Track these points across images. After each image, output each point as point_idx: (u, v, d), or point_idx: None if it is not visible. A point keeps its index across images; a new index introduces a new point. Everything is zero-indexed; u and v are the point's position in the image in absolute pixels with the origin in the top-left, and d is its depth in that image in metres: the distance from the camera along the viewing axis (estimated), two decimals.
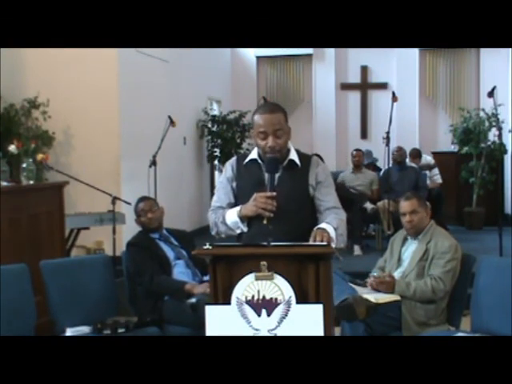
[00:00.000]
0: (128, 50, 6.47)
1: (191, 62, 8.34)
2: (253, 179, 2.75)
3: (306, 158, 2.84)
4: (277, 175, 2.73)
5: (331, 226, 2.61)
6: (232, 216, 2.73)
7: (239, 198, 2.78)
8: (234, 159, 2.92)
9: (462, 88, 9.98)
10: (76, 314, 3.69)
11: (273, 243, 2.40)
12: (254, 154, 2.81)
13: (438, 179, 8.21)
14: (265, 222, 2.59)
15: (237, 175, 2.83)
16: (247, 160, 2.82)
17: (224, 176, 2.88)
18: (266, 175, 2.73)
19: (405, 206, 3.83)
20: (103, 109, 6.48)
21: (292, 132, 2.79)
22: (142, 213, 4.09)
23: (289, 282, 2.26)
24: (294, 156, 2.79)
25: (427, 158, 8.53)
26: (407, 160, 7.80)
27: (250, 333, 2.25)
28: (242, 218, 2.70)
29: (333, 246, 2.49)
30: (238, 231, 2.75)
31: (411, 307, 3.57)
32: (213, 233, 2.84)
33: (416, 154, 8.24)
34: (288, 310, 2.25)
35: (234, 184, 2.83)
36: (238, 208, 2.73)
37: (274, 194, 2.59)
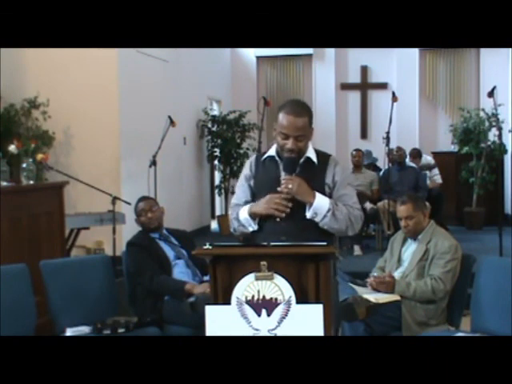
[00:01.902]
0: (128, 50, 6.47)
1: (191, 62, 8.34)
2: (269, 176, 2.76)
3: (323, 157, 2.83)
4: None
5: (327, 200, 2.64)
6: (244, 213, 2.76)
7: (256, 196, 2.79)
8: (253, 157, 2.94)
9: (462, 88, 9.98)
10: (76, 314, 3.69)
11: (273, 243, 2.41)
12: (272, 151, 2.82)
13: (438, 179, 8.21)
14: (278, 219, 2.63)
15: (254, 173, 2.84)
16: (265, 157, 2.83)
17: (242, 174, 2.91)
18: (283, 173, 2.74)
19: (400, 210, 3.84)
20: (103, 109, 6.48)
21: None
22: (142, 212, 4.09)
23: (289, 282, 2.26)
24: (311, 154, 2.79)
25: (427, 158, 8.54)
26: (407, 160, 7.80)
27: (250, 333, 2.25)
28: (252, 216, 2.72)
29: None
30: (250, 229, 2.76)
31: (411, 307, 3.57)
32: (231, 230, 2.88)
33: (416, 154, 8.25)
34: (288, 310, 2.25)
35: (252, 182, 2.84)
36: (249, 205, 2.75)
37: (290, 196, 2.63)
